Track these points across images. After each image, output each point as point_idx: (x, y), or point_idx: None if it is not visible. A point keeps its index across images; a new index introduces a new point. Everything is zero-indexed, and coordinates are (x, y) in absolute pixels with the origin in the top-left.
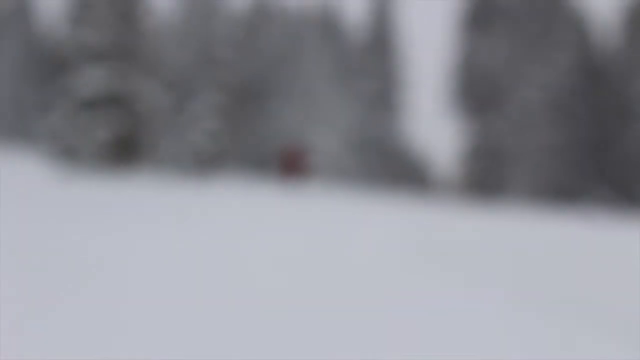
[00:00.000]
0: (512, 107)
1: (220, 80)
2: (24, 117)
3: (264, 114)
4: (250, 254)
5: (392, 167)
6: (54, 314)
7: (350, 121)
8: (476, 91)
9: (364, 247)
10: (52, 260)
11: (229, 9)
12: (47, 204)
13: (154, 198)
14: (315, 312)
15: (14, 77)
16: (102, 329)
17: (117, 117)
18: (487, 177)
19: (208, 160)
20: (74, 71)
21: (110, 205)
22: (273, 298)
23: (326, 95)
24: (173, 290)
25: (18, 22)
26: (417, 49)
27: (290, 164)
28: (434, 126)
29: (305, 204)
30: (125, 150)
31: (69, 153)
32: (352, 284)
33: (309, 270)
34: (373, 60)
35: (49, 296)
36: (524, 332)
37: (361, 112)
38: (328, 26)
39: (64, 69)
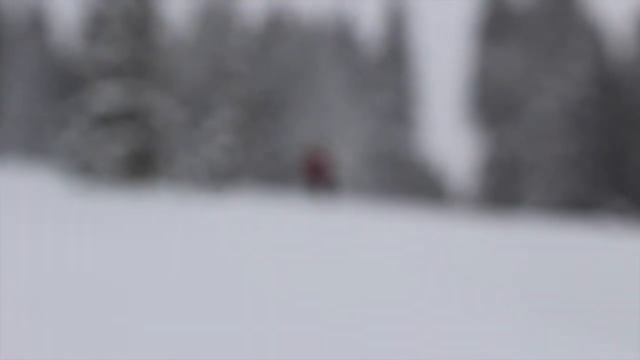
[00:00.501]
0: (527, 118)
1: (235, 94)
2: (39, 133)
3: (279, 128)
4: (256, 272)
5: (408, 180)
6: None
7: (366, 135)
8: (492, 103)
9: (383, 264)
10: (29, 270)
11: (243, 22)
12: (54, 217)
13: (163, 213)
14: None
15: (29, 92)
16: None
17: (133, 132)
18: (503, 188)
19: (224, 175)
20: (89, 87)
21: (117, 219)
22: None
23: (341, 109)
24: (159, 307)
25: (33, 37)
26: (433, 61)
27: (315, 167)
28: (450, 138)
29: (328, 218)
30: (141, 165)
31: (85, 168)
32: (372, 302)
33: (325, 287)
34: (388, 73)
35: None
36: (540, 343)
37: (377, 125)
38: (343, 39)
39: (79, 85)
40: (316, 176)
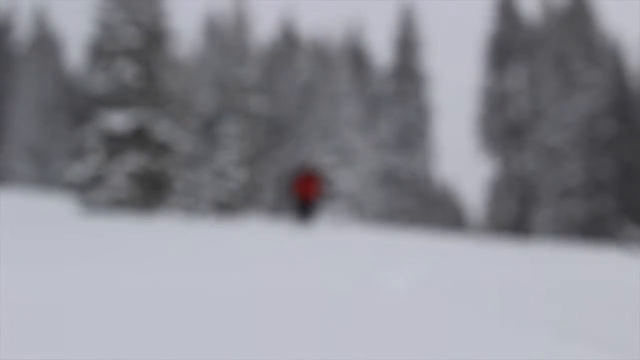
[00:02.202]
0: (539, 144)
1: (245, 122)
2: (47, 162)
3: (289, 154)
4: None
5: (421, 205)
6: None
7: (377, 158)
8: (504, 127)
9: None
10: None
11: (254, 44)
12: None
13: (163, 237)
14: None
15: (37, 118)
16: None
17: (143, 159)
18: (515, 214)
19: (233, 200)
20: (99, 114)
21: (111, 242)
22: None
23: (352, 133)
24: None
25: (42, 59)
26: (445, 86)
27: (304, 187)
28: (463, 162)
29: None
30: (151, 190)
31: (94, 191)
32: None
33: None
34: (400, 94)
35: None
36: None
37: (388, 149)
38: (354, 62)
39: (89, 112)
40: (304, 195)
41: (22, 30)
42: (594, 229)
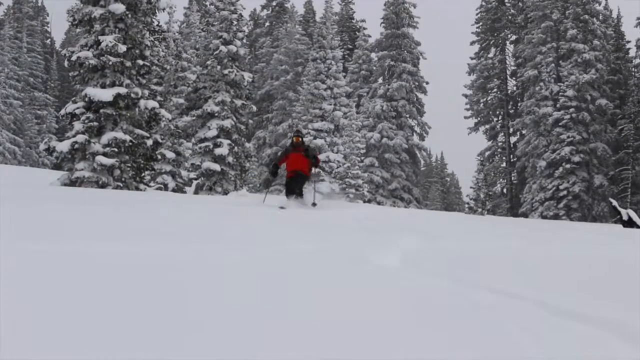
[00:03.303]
0: (532, 118)
1: (233, 99)
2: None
3: (278, 125)
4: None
5: (412, 180)
6: None
7: (367, 132)
8: (497, 101)
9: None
10: None
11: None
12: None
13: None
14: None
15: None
16: None
17: (126, 129)
18: (507, 189)
19: (220, 172)
20: (80, 82)
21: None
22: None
23: (342, 105)
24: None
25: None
26: (435, 58)
27: (294, 162)
28: (454, 137)
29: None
30: (135, 160)
31: (77, 162)
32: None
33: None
34: (390, 68)
35: None
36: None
37: (378, 122)
38: (345, 32)
39: (71, 81)
40: (294, 171)
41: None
42: (585, 203)
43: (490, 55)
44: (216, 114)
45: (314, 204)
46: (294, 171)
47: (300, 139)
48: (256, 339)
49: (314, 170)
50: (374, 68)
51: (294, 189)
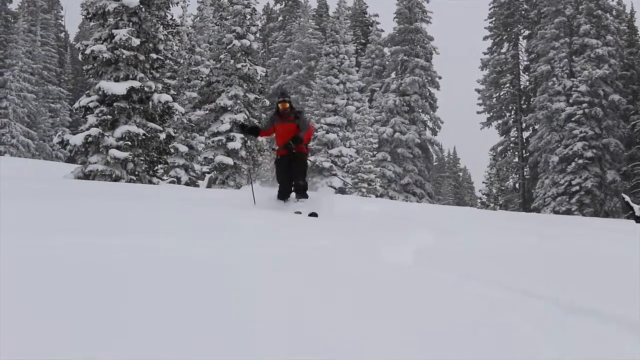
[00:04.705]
0: (545, 112)
1: (246, 93)
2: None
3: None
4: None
5: (424, 175)
6: None
7: (380, 126)
8: (510, 96)
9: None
10: None
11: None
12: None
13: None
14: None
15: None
16: None
17: (140, 122)
18: (520, 184)
19: (233, 165)
20: (94, 76)
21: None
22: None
23: (354, 100)
24: None
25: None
26: (448, 53)
27: (284, 135)
28: (467, 131)
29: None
30: (148, 154)
31: (91, 155)
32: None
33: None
34: (403, 63)
35: None
36: None
37: (391, 117)
38: (358, 26)
39: (85, 75)
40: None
41: None
42: (597, 198)
43: (503, 50)
44: (229, 108)
45: (313, 214)
46: (285, 147)
47: (287, 105)
48: (274, 332)
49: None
50: (387, 63)
51: (298, 184)
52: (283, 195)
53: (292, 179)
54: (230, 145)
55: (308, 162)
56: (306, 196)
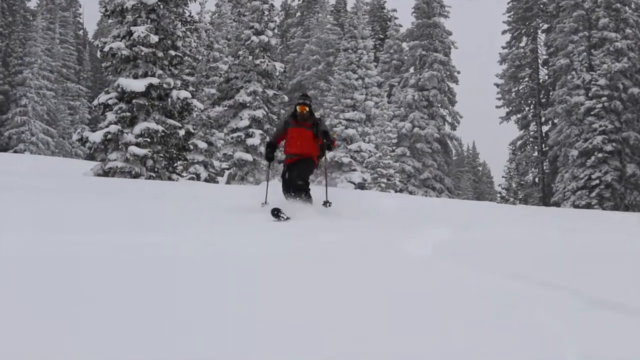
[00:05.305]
0: (565, 107)
1: (265, 89)
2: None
3: None
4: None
5: (443, 170)
6: None
7: (399, 122)
8: (529, 90)
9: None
10: None
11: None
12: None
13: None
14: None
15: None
16: None
17: (159, 119)
18: (540, 178)
19: (252, 162)
20: (113, 73)
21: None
22: None
23: (373, 95)
24: None
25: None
26: (466, 48)
27: (297, 141)
28: (486, 126)
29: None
30: (167, 150)
31: (110, 152)
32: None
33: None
34: (421, 58)
35: None
36: None
37: (409, 112)
38: (376, 22)
39: (104, 72)
40: (295, 153)
41: None
42: (617, 192)
43: (522, 44)
44: (248, 104)
45: (326, 203)
46: (296, 155)
47: (306, 109)
48: (300, 323)
49: (327, 155)
50: (406, 58)
51: (294, 181)
52: (286, 192)
53: (297, 182)
54: (250, 141)
55: (315, 169)
56: (304, 195)
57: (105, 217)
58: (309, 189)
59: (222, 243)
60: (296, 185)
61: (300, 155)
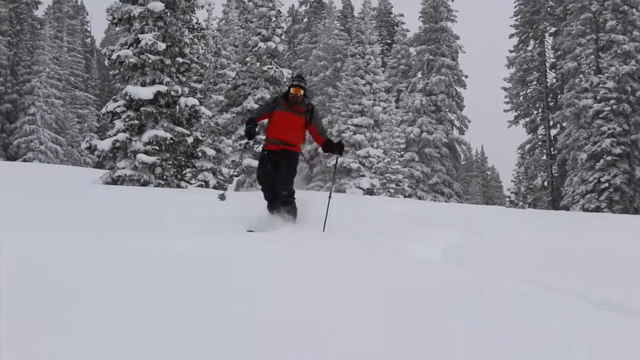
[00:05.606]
0: (572, 109)
1: (272, 90)
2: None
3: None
4: None
5: (452, 174)
6: None
7: (406, 127)
8: (537, 93)
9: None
10: None
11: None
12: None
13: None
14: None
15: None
16: None
17: (167, 127)
18: (548, 181)
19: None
20: (121, 80)
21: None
22: None
23: (380, 100)
24: None
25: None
26: (473, 52)
27: (282, 129)
28: (494, 130)
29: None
30: (175, 158)
31: (119, 160)
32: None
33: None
34: (429, 63)
35: None
36: None
37: (417, 117)
38: (383, 27)
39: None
40: (279, 139)
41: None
42: (626, 195)
43: (529, 47)
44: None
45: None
46: (281, 142)
47: (301, 92)
48: (314, 324)
49: (335, 160)
50: (413, 62)
51: (273, 181)
52: (270, 202)
53: (276, 186)
54: (258, 148)
55: (298, 167)
56: (289, 209)
57: (105, 221)
58: (294, 198)
59: (224, 247)
60: (281, 197)
61: (285, 143)
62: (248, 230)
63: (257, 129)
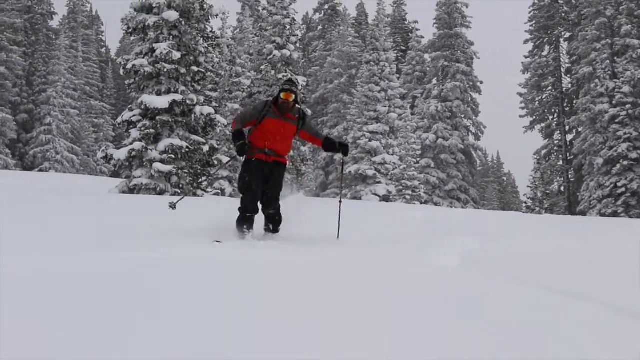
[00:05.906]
0: (588, 114)
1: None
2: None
3: (332, 127)
4: None
5: (468, 180)
6: None
7: (422, 133)
8: (552, 99)
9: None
10: None
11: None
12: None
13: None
14: None
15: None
16: None
17: (183, 135)
18: (565, 187)
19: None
20: (136, 90)
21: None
22: None
23: (395, 107)
24: None
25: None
26: (488, 58)
27: (273, 132)
28: (509, 136)
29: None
30: (191, 167)
31: (135, 169)
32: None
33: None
34: (443, 69)
35: None
36: None
37: (433, 123)
38: (397, 33)
39: (127, 89)
40: (270, 149)
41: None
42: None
43: (544, 53)
44: None
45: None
46: (272, 152)
47: (292, 97)
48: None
49: (342, 169)
50: (428, 69)
51: (262, 193)
52: (249, 213)
53: (263, 199)
54: None
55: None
56: (277, 229)
57: (105, 231)
58: (281, 214)
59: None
60: (269, 215)
61: (277, 154)
62: (216, 241)
63: (247, 142)
